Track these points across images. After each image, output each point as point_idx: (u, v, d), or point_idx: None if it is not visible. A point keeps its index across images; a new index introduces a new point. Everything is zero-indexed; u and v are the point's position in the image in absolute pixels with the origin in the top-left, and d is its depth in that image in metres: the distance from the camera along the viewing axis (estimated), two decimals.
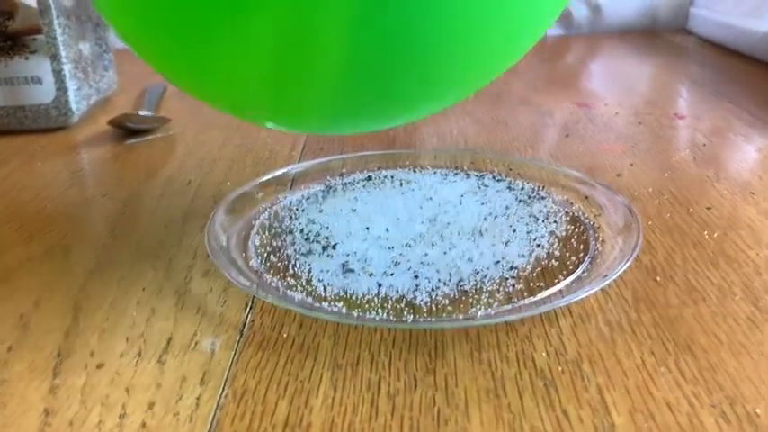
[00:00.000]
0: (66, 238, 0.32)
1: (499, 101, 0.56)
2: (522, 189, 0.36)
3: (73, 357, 0.23)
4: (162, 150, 0.45)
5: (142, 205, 0.36)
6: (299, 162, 0.42)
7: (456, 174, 0.38)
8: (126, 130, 0.49)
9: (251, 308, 0.26)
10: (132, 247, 0.31)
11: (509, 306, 0.25)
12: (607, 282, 0.25)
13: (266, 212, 0.34)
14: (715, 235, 0.31)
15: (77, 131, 0.50)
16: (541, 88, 0.60)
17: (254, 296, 0.27)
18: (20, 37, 0.47)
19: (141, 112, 0.48)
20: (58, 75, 0.49)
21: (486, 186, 0.36)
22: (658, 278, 0.27)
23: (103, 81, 0.57)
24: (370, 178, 0.38)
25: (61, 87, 0.49)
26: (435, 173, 0.38)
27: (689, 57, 0.75)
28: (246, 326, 0.25)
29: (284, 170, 0.37)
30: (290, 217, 0.33)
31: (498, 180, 0.37)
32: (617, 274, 0.25)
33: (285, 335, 0.24)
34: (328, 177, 0.38)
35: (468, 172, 0.38)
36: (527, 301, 0.25)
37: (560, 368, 0.22)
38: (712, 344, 0.23)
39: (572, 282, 0.27)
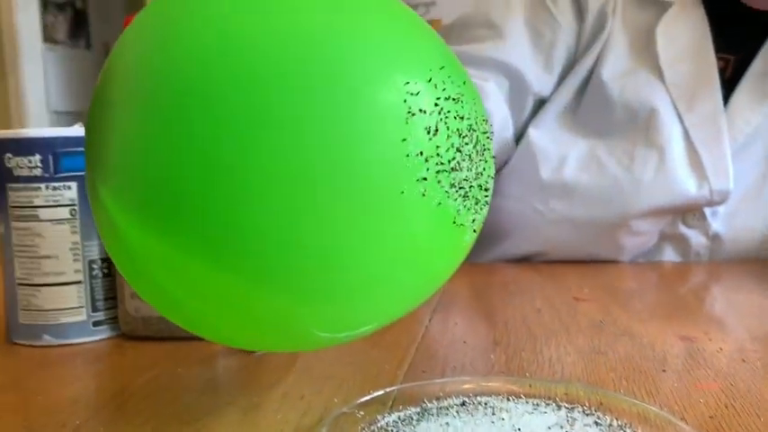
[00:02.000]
0: None
1: (601, 330, 0.58)
2: (610, 425, 0.37)
3: None
4: (284, 363, 0.51)
5: (259, 416, 0.41)
6: (401, 383, 0.45)
7: (547, 404, 0.40)
8: None
9: None
10: None
11: None
12: None
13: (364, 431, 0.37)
14: None
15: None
16: (647, 319, 0.62)
17: None
18: None
19: None
20: None
21: (574, 419, 0.38)
22: None
23: None
24: (464, 404, 0.41)
25: None
26: (528, 402, 0.41)
27: None
28: None
29: (384, 391, 0.41)
30: None
31: (587, 414, 0.39)
32: None
33: None
34: (425, 399, 0.41)
35: (560, 403, 0.40)
36: None
37: None
38: None
39: None
